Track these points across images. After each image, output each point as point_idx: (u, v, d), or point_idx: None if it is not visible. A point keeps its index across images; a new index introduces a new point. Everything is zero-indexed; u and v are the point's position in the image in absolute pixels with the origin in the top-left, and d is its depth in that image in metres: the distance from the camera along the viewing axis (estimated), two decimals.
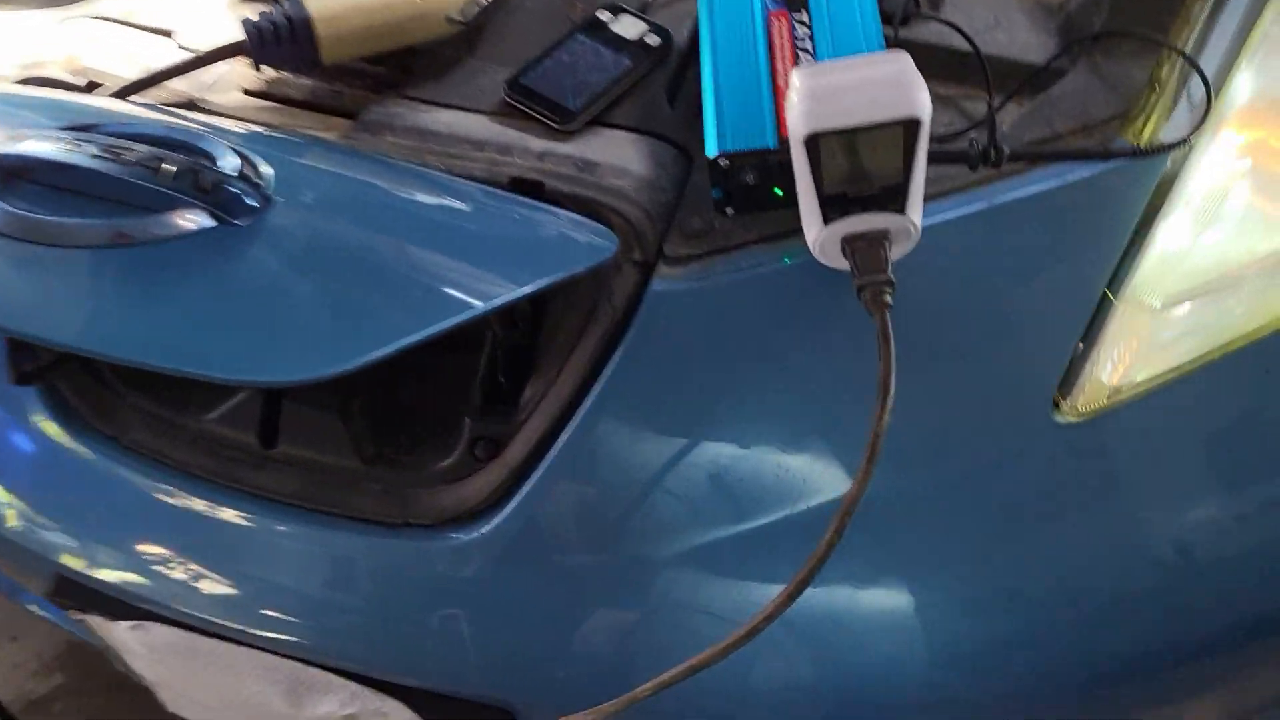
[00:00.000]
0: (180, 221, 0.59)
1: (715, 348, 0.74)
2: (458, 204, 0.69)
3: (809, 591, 0.60)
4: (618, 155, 0.77)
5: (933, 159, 0.69)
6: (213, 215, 0.60)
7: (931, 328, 0.73)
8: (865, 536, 0.69)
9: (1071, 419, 0.73)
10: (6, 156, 0.61)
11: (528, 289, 0.64)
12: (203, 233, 0.59)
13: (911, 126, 0.60)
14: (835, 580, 0.72)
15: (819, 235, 0.66)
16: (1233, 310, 0.75)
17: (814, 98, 0.60)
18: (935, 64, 0.82)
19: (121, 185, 0.60)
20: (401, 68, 0.84)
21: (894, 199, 0.64)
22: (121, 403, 0.84)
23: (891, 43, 0.80)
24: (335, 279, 0.61)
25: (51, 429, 0.84)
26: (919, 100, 0.59)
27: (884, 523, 0.72)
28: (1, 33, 0.89)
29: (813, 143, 0.61)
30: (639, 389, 0.74)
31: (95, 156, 0.59)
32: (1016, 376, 0.74)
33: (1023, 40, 0.83)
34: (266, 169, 0.64)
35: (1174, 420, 0.75)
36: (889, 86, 0.60)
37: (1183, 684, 0.81)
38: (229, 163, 0.62)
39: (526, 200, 0.71)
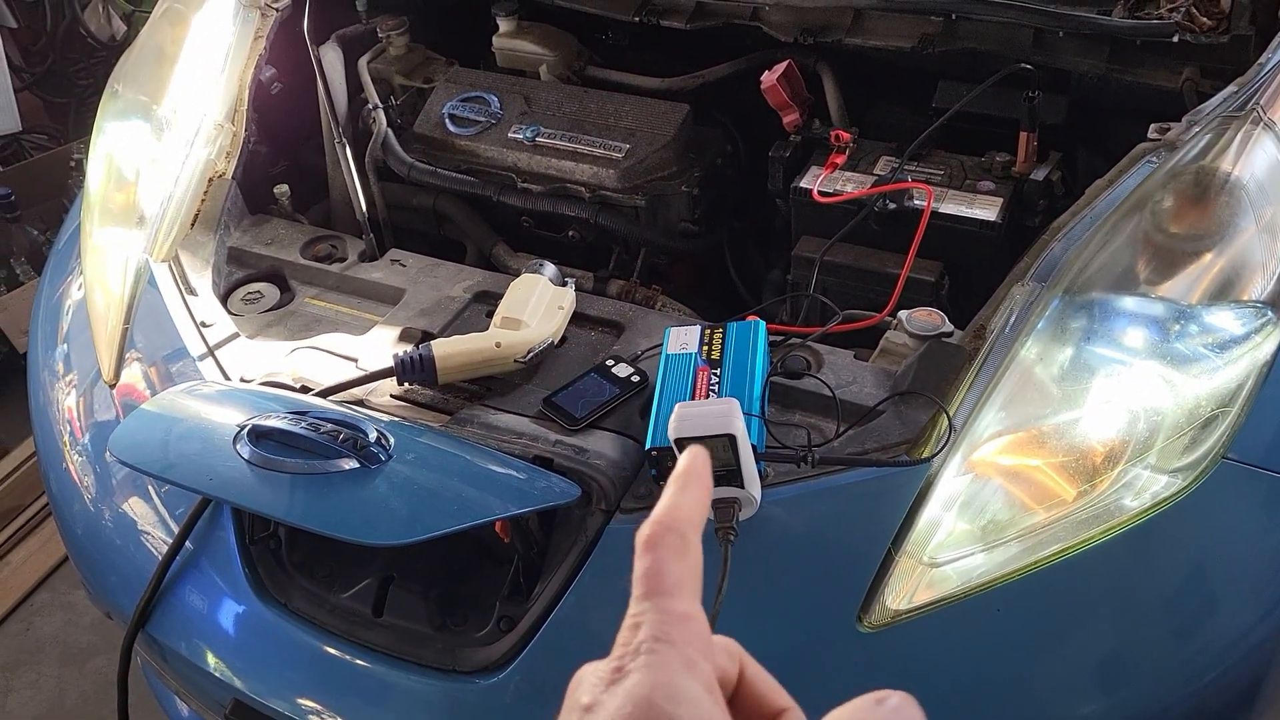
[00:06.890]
0: (344, 465, 1.13)
1: None
2: (495, 465, 1.21)
3: None
4: (601, 446, 1.27)
5: (770, 458, 1.18)
6: (359, 461, 1.13)
7: (771, 567, 1.18)
8: None
9: (868, 630, 1.16)
10: (259, 426, 1.16)
11: (528, 509, 1.14)
12: (354, 470, 1.12)
13: (732, 439, 1.08)
14: None
15: None
16: (976, 566, 1.18)
17: (679, 419, 1.10)
18: (809, 403, 1.32)
19: (315, 444, 1.14)
20: (486, 386, 1.39)
21: (735, 478, 1.11)
22: (291, 581, 1.35)
23: (784, 392, 1.30)
24: (418, 496, 1.12)
25: (248, 597, 1.35)
26: (735, 424, 1.08)
27: None
28: (258, 353, 1.48)
29: (680, 442, 1.10)
30: (601, 588, 1.21)
31: (304, 428, 1.14)
32: (831, 601, 1.18)
33: (866, 392, 1.32)
34: (391, 440, 1.18)
35: (940, 634, 1.17)
36: (720, 416, 1.09)
37: None
38: (372, 435, 1.16)
39: (537, 468, 1.22)
